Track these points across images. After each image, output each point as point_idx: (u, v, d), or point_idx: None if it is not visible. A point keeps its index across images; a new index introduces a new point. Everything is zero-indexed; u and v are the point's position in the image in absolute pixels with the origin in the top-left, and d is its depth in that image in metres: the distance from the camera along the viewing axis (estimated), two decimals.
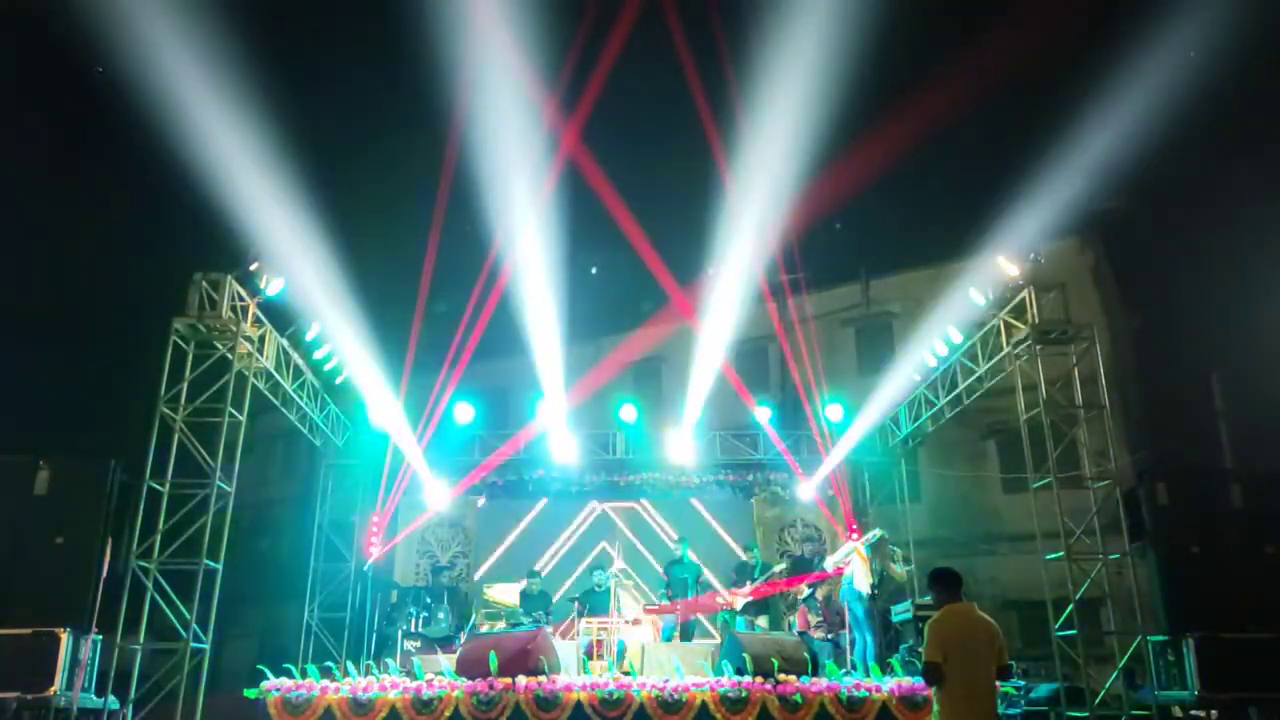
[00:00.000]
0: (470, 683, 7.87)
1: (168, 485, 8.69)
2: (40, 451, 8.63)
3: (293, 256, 9.56)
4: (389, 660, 9.92)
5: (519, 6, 10.81)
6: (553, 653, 8.40)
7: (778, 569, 11.33)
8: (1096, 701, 8.86)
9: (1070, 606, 8.98)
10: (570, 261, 12.65)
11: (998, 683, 5.18)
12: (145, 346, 9.78)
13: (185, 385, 8.98)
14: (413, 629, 10.91)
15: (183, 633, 8.37)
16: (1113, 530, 9.38)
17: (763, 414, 13.72)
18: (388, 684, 7.95)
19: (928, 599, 10.59)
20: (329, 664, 9.95)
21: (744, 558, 11.74)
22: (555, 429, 13.04)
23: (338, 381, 11.61)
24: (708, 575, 12.20)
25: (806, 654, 8.42)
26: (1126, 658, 9.21)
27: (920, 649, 5.25)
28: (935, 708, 5.14)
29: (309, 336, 10.60)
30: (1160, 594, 8.81)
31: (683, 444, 13.26)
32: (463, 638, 10.31)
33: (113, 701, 8.34)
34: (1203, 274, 15.27)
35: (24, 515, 8.34)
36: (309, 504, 13.23)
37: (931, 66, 12.71)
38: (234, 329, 9.06)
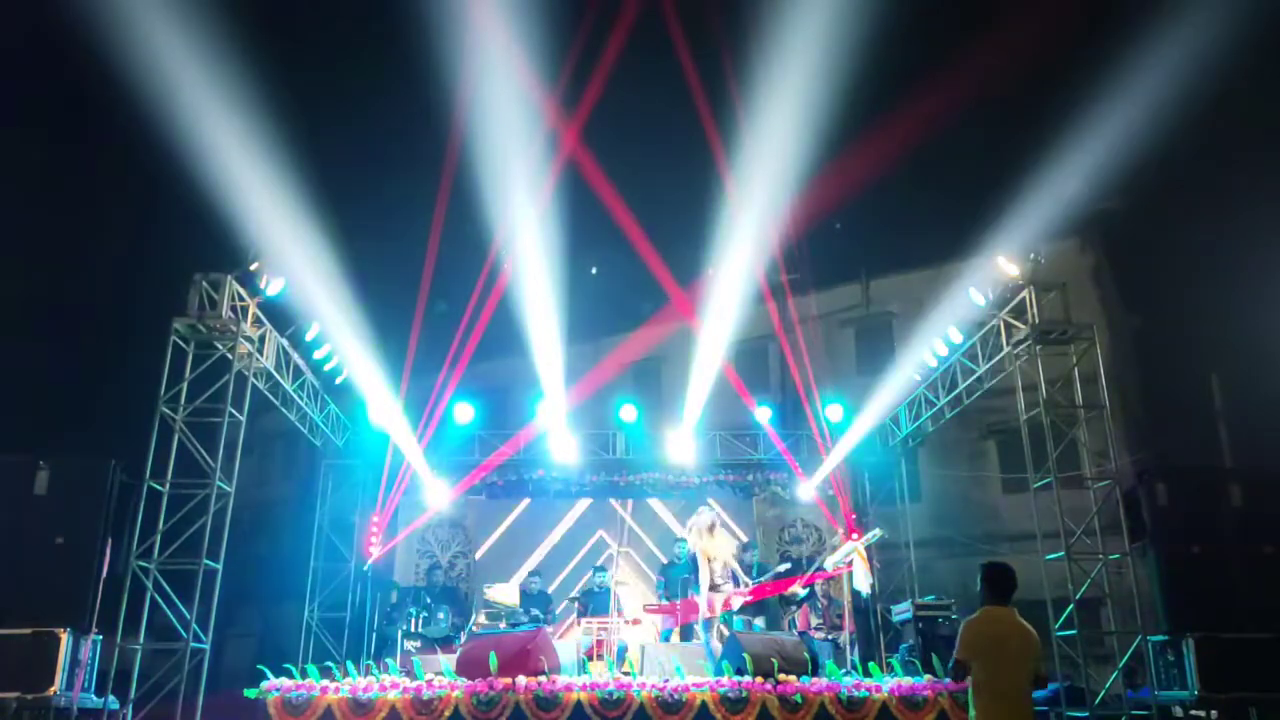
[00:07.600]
0: (470, 683, 7.87)
1: (168, 485, 8.68)
2: (40, 451, 8.62)
3: (293, 256, 9.54)
4: (389, 660, 9.91)
5: (519, 6, 10.82)
6: (553, 653, 8.40)
7: (782, 569, 11.31)
8: (1097, 702, 8.86)
9: (1070, 606, 8.96)
10: (570, 261, 12.64)
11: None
12: (145, 346, 9.79)
13: (185, 385, 8.97)
14: (413, 629, 10.90)
15: (183, 633, 8.36)
16: (1113, 530, 9.37)
17: (763, 414, 13.70)
18: (388, 684, 7.94)
19: (929, 599, 10.63)
20: (329, 664, 9.94)
21: (742, 557, 11.70)
22: (555, 429, 13.03)
23: (338, 381, 11.59)
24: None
25: (806, 654, 8.41)
26: (1126, 658, 9.21)
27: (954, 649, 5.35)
28: (972, 712, 5.22)
29: (309, 336, 10.58)
30: (1160, 594, 8.80)
31: (683, 444, 13.25)
32: (463, 638, 10.31)
33: (113, 701, 8.32)
34: (1203, 274, 15.28)
35: (24, 515, 8.32)
36: (309, 504, 13.21)
37: (931, 66, 12.71)
38: (234, 329, 9.05)
